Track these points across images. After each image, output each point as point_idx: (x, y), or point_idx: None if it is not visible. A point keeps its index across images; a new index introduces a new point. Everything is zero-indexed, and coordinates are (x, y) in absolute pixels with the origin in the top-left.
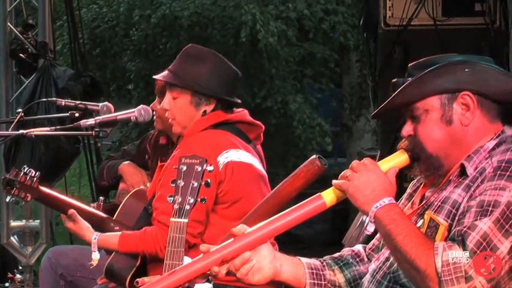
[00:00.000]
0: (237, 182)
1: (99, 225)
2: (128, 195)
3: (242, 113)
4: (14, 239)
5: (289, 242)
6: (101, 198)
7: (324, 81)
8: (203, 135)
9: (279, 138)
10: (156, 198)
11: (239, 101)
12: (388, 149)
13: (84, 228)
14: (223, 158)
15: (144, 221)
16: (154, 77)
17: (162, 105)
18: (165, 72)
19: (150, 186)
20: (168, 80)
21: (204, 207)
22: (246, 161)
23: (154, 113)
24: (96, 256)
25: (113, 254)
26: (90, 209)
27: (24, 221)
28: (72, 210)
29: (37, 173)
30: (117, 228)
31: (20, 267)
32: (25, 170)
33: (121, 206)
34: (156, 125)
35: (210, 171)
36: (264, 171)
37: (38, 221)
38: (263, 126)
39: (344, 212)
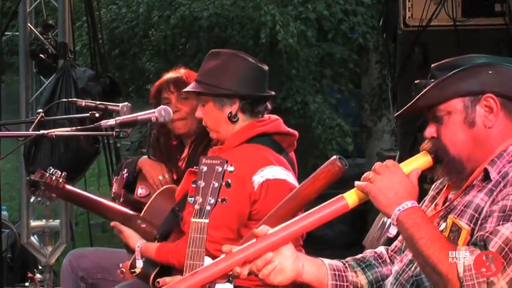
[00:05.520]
0: (271, 199)
1: (125, 222)
2: (157, 193)
3: (277, 123)
4: (34, 239)
5: (310, 243)
6: (125, 170)
7: (343, 82)
8: (237, 154)
9: (299, 139)
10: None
11: (270, 93)
12: (407, 150)
13: (128, 236)
14: (258, 178)
15: (170, 222)
16: (184, 90)
17: (196, 115)
18: (193, 83)
19: (179, 189)
20: (187, 90)
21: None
22: (280, 178)
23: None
24: (139, 264)
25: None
26: (117, 206)
27: (44, 220)
28: (114, 222)
29: (63, 173)
30: (144, 225)
31: (40, 267)
32: (51, 171)
33: (149, 203)
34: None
35: (230, 171)
36: (296, 183)
37: (58, 220)
38: (297, 134)
39: (363, 213)
